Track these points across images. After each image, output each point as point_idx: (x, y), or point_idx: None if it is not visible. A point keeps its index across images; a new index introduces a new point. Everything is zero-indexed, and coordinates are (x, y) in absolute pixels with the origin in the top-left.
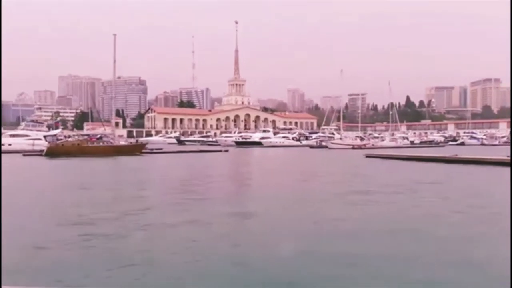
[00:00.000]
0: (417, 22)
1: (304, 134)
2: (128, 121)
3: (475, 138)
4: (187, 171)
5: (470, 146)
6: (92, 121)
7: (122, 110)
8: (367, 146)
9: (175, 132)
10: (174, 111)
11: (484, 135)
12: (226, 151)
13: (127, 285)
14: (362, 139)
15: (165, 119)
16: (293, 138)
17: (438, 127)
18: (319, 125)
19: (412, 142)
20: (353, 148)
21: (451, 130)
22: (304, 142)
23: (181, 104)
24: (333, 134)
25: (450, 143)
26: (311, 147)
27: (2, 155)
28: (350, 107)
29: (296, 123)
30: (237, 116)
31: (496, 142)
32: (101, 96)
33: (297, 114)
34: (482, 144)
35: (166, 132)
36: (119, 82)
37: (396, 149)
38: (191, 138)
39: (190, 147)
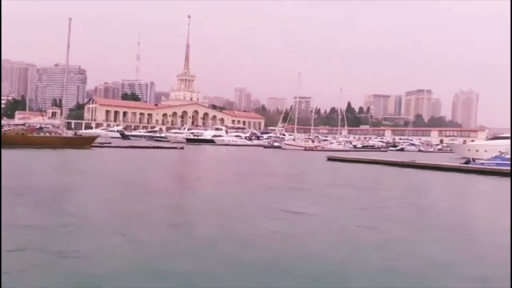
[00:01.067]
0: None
1: (255, 133)
2: (64, 111)
3: (413, 144)
4: (164, 174)
5: (409, 152)
6: (25, 109)
7: (60, 100)
8: (318, 148)
9: (117, 125)
10: (118, 104)
11: (421, 142)
12: (182, 148)
13: None
14: (313, 141)
15: (107, 112)
16: (245, 138)
17: (377, 132)
18: (266, 126)
19: (355, 146)
20: (305, 149)
21: (388, 136)
22: (256, 142)
23: (125, 97)
24: (284, 135)
25: (391, 148)
26: (265, 147)
27: None
28: (294, 110)
29: (244, 122)
30: (184, 112)
31: (432, 149)
32: (35, 84)
33: (245, 114)
34: (420, 150)
35: (108, 125)
36: (56, 70)
37: (344, 152)
38: (136, 132)
39: (138, 142)
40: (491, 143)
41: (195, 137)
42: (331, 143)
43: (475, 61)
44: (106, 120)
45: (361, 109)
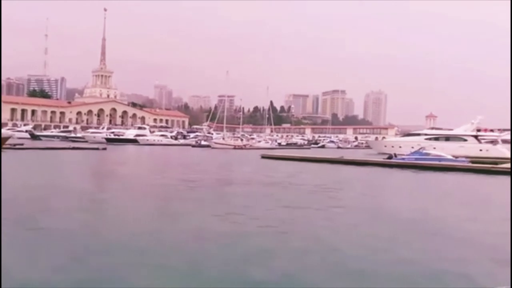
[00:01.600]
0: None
1: (182, 132)
2: None
3: (332, 142)
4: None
5: (330, 148)
6: None
7: None
8: (247, 146)
9: (26, 125)
10: (25, 101)
11: (339, 139)
12: (104, 149)
13: None
14: (241, 139)
15: (13, 110)
16: (171, 137)
17: (298, 131)
18: (191, 124)
19: (279, 144)
20: (235, 148)
21: (308, 134)
22: (182, 141)
23: (32, 93)
24: (211, 133)
25: (313, 146)
26: (192, 146)
27: None
28: (219, 108)
29: (167, 121)
30: (101, 110)
31: (349, 146)
32: None
33: (168, 112)
34: (339, 147)
35: (15, 125)
36: None
37: (272, 150)
38: (47, 132)
39: (52, 143)
40: (405, 139)
41: (116, 137)
42: (259, 141)
43: (385, 63)
44: (12, 119)
45: (282, 108)
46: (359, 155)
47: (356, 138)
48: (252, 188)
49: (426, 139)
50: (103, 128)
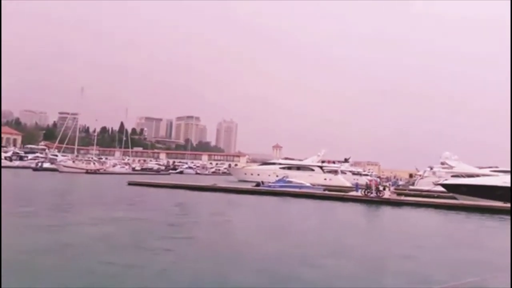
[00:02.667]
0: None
1: (17, 153)
2: None
3: (191, 168)
4: None
5: (188, 175)
6: None
7: None
8: (101, 171)
9: None
10: None
11: (197, 166)
12: None
13: None
14: (94, 163)
15: None
16: (5, 158)
17: (152, 155)
18: (24, 143)
19: (134, 169)
20: (87, 172)
21: (163, 159)
22: (18, 163)
23: None
24: (56, 155)
25: (171, 171)
26: (34, 169)
27: None
28: (59, 126)
29: None
30: None
31: (206, 172)
32: None
33: None
34: (197, 173)
35: None
36: None
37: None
38: None
39: None
40: (262, 167)
41: None
42: (114, 165)
43: (237, 95)
44: None
45: (134, 130)
46: (224, 182)
47: (216, 164)
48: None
49: (281, 168)
50: None
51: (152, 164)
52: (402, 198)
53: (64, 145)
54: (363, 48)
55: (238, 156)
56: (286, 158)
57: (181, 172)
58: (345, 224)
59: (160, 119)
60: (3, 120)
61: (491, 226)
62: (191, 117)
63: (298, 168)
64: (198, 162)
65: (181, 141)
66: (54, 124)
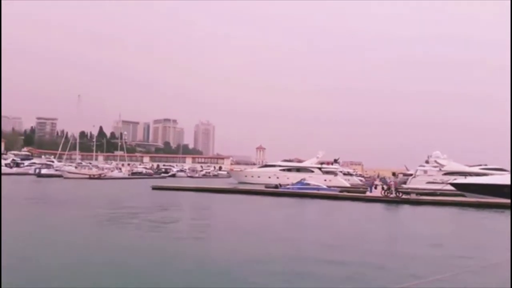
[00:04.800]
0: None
1: (14, 160)
2: None
3: (182, 171)
4: None
5: (181, 178)
6: None
7: None
8: (102, 176)
9: None
10: None
11: (188, 169)
12: None
13: None
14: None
15: None
16: (5, 165)
17: (135, 158)
18: (6, 149)
19: (134, 173)
20: (90, 178)
21: (147, 162)
22: (16, 170)
23: None
24: (53, 161)
25: (163, 174)
26: (38, 175)
27: None
28: (38, 132)
29: None
30: None
31: (197, 175)
32: None
33: None
34: (189, 176)
35: None
36: None
37: (128, 180)
38: None
39: None
40: (263, 170)
41: None
42: (112, 170)
43: (213, 97)
44: None
45: (113, 134)
46: (229, 184)
47: (201, 167)
48: None
49: (281, 169)
50: None
51: (139, 168)
52: (421, 197)
53: (41, 150)
54: (338, 44)
55: (222, 158)
56: (285, 160)
57: (173, 175)
58: (401, 222)
59: (137, 122)
60: None
61: None
62: (168, 119)
63: (298, 170)
64: (182, 165)
65: (160, 144)
66: (32, 130)
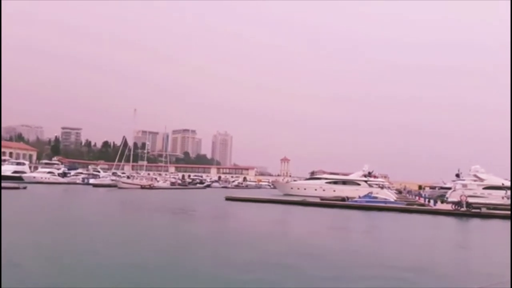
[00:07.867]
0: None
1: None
2: None
3: (217, 181)
4: None
5: (216, 188)
6: None
7: None
8: (151, 186)
9: None
10: None
11: (221, 180)
12: (25, 188)
13: None
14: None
15: None
16: (58, 174)
17: (160, 169)
18: (39, 158)
19: (172, 183)
20: (142, 188)
21: (172, 172)
22: (66, 179)
23: None
24: (99, 171)
25: (198, 185)
26: (95, 185)
27: None
28: (63, 141)
29: (11, 154)
30: None
31: (229, 186)
32: None
33: (8, 143)
34: (223, 187)
35: None
36: None
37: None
38: None
39: None
40: (308, 182)
41: None
42: (158, 181)
43: (232, 107)
44: None
45: (135, 144)
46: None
47: (219, 177)
48: None
49: (327, 182)
50: None
51: (172, 178)
52: (491, 211)
53: (69, 159)
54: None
55: (247, 169)
56: (331, 173)
57: (208, 186)
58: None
59: (157, 133)
60: (6, 135)
61: None
62: (187, 130)
63: (344, 182)
64: (208, 175)
65: (180, 154)
66: (56, 139)
